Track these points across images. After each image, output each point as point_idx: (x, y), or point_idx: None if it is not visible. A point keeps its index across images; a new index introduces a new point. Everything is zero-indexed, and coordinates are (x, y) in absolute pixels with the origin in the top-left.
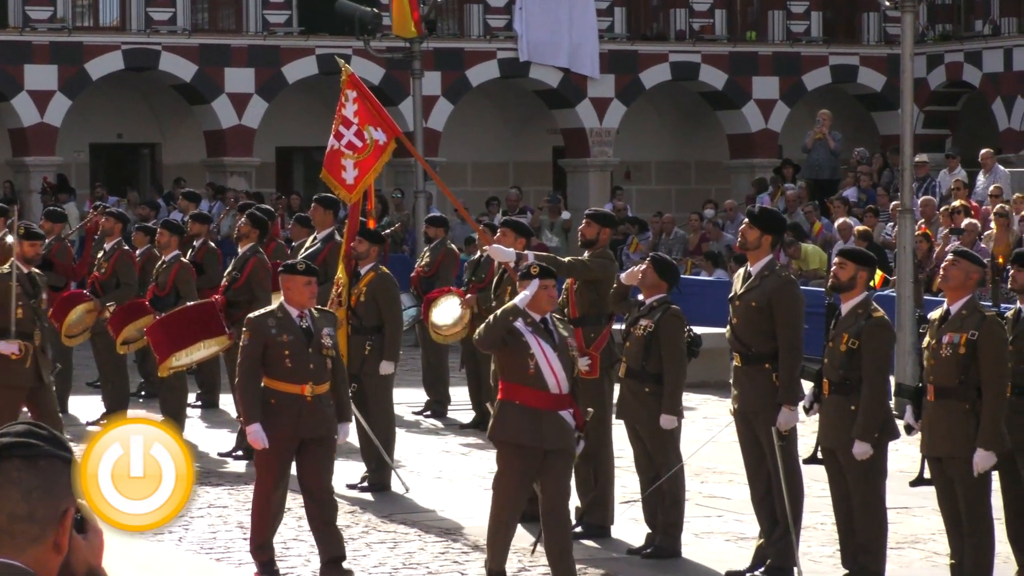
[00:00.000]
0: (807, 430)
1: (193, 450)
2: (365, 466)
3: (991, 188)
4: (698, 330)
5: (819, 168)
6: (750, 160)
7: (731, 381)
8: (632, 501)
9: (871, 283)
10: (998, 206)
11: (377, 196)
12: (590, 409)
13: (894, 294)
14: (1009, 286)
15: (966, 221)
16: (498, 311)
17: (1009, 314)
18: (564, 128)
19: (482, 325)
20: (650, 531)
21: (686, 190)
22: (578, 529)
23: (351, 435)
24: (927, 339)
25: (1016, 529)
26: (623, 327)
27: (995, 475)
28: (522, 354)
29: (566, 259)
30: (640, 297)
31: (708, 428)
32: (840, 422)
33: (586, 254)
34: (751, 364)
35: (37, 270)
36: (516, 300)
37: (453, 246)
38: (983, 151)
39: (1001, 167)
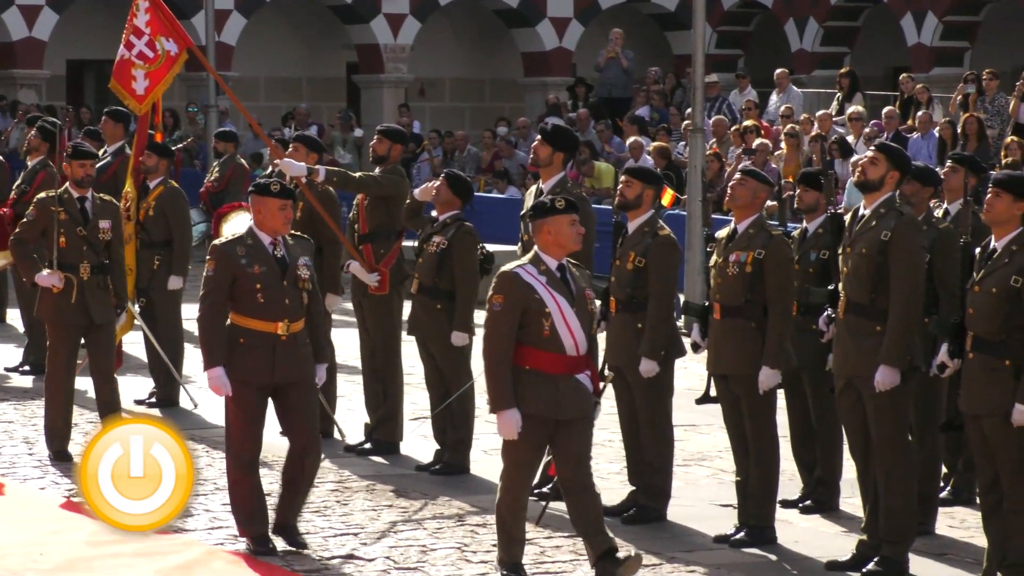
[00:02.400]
0: None
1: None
2: (153, 382)
3: (782, 108)
4: (491, 247)
5: (612, 87)
6: (544, 78)
7: None
8: (422, 418)
9: (662, 202)
10: (788, 126)
11: (170, 110)
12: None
13: (684, 213)
14: (796, 205)
15: (757, 141)
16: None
17: (795, 233)
18: (358, 44)
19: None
20: (439, 448)
21: (480, 108)
22: (367, 446)
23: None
24: (714, 258)
25: (801, 447)
26: (416, 243)
27: (781, 393)
28: (536, 313)
29: (357, 174)
30: (433, 213)
31: None
32: (627, 340)
33: (377, 170)
34: None
35: (101, 194)
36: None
37: (243, 160)
38: (778, 71)
39: (795, 87)
